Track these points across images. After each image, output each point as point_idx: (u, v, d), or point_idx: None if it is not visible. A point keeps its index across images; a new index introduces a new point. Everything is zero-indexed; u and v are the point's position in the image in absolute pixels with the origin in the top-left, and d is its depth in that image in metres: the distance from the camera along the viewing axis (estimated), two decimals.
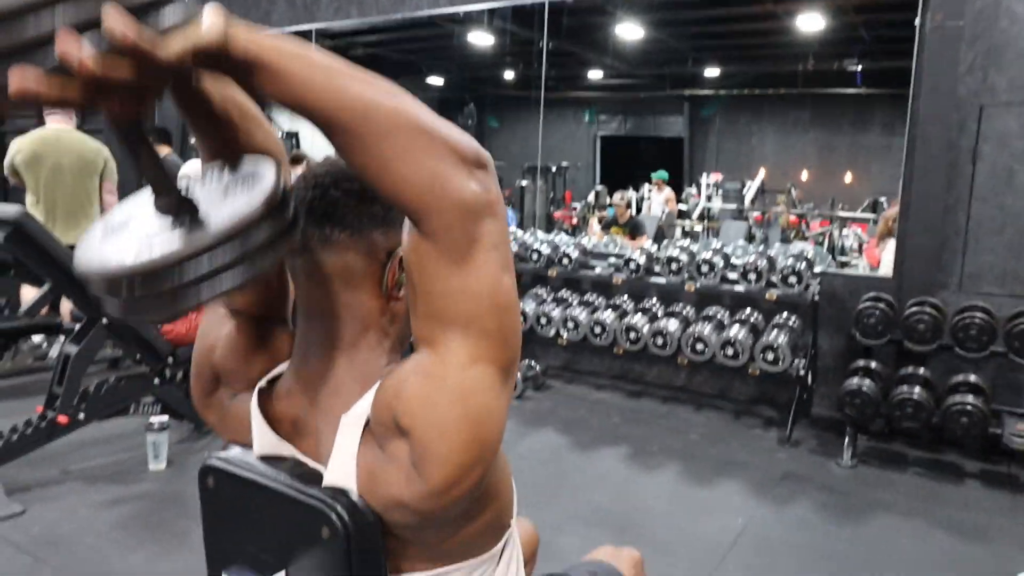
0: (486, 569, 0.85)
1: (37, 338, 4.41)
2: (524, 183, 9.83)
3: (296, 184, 0.79)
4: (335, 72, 0.62)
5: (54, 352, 4.36)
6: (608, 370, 4.56)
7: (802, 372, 3.66)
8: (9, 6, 0.51)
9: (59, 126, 4.16)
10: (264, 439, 0.81)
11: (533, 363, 4.37)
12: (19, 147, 4.06)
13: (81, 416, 2.99)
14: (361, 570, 0.73)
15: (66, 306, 4.00)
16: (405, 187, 0.64)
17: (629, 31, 8.70)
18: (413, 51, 10.61)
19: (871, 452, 3.50)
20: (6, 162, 4.08)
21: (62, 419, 2.93)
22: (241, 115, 0.79)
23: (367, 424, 0.73)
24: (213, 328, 0.87)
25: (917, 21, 3.47)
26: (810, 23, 7.95)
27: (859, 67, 10.02)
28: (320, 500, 0.72)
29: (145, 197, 0.71)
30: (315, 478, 0.76)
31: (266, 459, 0.81)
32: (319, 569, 0.74)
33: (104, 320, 3.07)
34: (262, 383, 0.84)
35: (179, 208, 0.67)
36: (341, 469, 0.74)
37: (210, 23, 0.57)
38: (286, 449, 0.81)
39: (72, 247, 3.24)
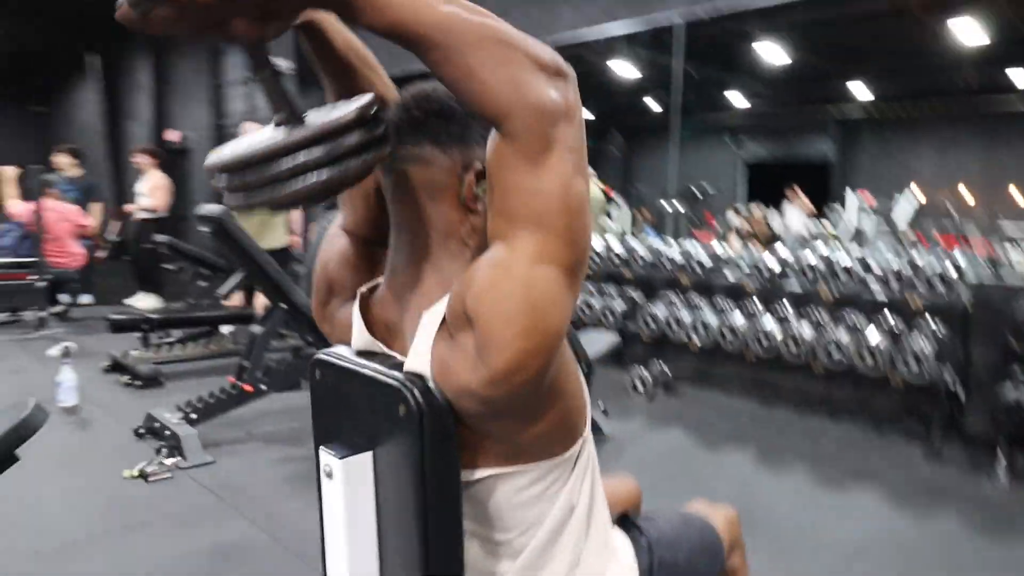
0: (559, 475, 0.84)
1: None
2: (666, 205, 9.63)
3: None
4: None
5: None
6: (739, 376, 4.31)
7: (951, 384, 3.27)
8: None
9: None
10: (361, 338, 0.87)
11: (663, 365, 4.24)
12: None
13: (263, 387, 3.30)
14: (433, 449, 0.75)
15: (260, 300, 4.42)
16: (488, 93, 0.67)
17: (771, 52, 8.31)
18: None
19: None
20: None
21: (248, 388, 3.25)
22: (361, 62, 0.87)
23: (444, 320, 0.76)
24: (329, 247, 0.94)
25: None
26: (970, 33, 7.16)
27: None
28: (398, 381, 0.76)
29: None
30: (399, 367, 0.80)
31: (361, 354, 0.86)
32: (398, 446, 0.77)
33: (284, 307, 3.38)
34: (363, 289, 0.89)
35: (292, 121, 0.73)
36: (418, 358, 0.77)
37: None
38: (379, 348, 0.86)
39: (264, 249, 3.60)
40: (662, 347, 4.34)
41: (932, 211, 8.38)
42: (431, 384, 0.75)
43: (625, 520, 1.10)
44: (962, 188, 9.45)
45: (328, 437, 0.85)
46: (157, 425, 3.14)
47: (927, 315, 3.49)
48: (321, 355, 0.87)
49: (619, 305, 4.53)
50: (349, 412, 0.85)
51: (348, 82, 0.85)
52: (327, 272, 0.94)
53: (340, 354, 0.86)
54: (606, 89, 10.81)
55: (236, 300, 4.46)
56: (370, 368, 0.81)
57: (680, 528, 1.13)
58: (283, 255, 4.23)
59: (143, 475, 2.77)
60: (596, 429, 3.13)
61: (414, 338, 0.79)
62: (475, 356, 0.71)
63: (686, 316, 4.08)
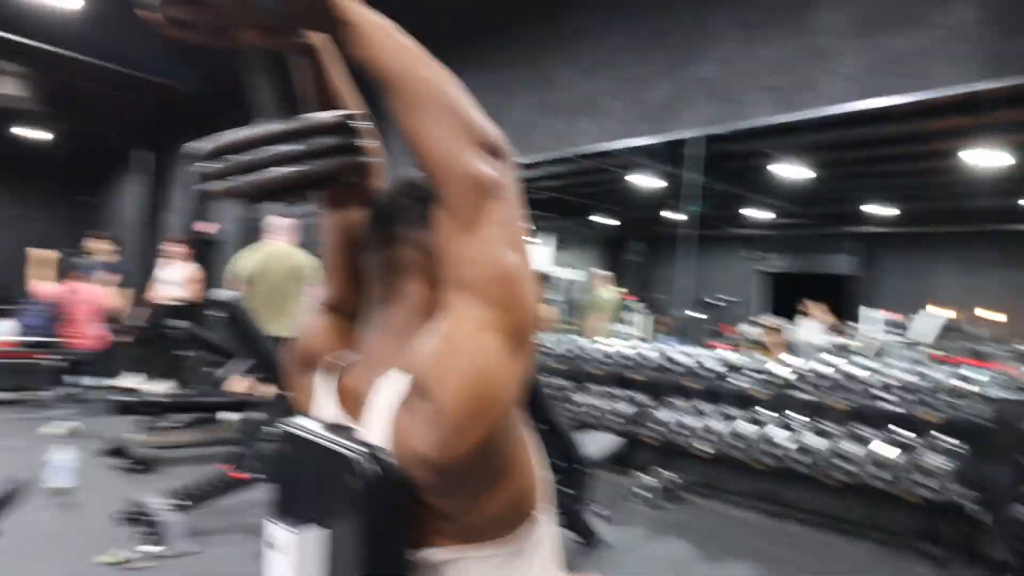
0: (514, 564, 0.83)
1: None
2: (680, 314, 9.67)
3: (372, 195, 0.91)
4: (403, 47, 0.75)
5: None
6: (748, 488, 4.17)
7: (967, 504, 3.13)
8: None
9: (279, 244, 4.74)
10: (327, 408, 0.90)
11: (669, 473, 4.13)
12: (246, 260, 4.68)
13: (256, 475, 3.26)
14: (384, 522, 0.76)
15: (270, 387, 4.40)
16: (428, 152, 0.74)
17: (790, 172, 8.56)
18: (586, 194, 11.17)
19: None
20: (238, 273, 4.68)
21: (240, 475, 3.22)
22: (355, 103, 0.94)
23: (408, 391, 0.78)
24: (309, 321, 0.99)
25: None
26: (992, 159, 7.31)
27: None
28: (349, 450, 0.77)
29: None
30: (358, 438, 0.81)
31: (325, 425, 0.88)
32: (349, 518, 0.78)
33: (284, 396, 3.40)
34: (331, 358, 0.93)
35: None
36: (376, 427, 0.79)
37: None
38: (344, 417, 0.88)
39: (273, 337, 3.65)
40: (669, 454, 4.25)
41: (955, 331, 8.31)
42: (387, 454, 0.77)
43: None
44: (989, 314, 9.39)
45: (282, 510, 0.85)
46: (142, 510, 3.10)
47: (943, 432, 3.40)
48: (281, 425, 0.90)
49: (626, 408, 4.48)
50: (303, 482, 0.86)
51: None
52: (306, 344, 0.98)
53: (299, 424, 0.88)
54: (628, 200, 11.15)
55: (242, 386, 4.48)
56: (326, 438, 0.82)
57: None
58: None
59: (122, 563, 2.71)
60: (594, 536, 3.03)
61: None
62: (428, 423, 0.73)
63: (694, 422, 4.01)
